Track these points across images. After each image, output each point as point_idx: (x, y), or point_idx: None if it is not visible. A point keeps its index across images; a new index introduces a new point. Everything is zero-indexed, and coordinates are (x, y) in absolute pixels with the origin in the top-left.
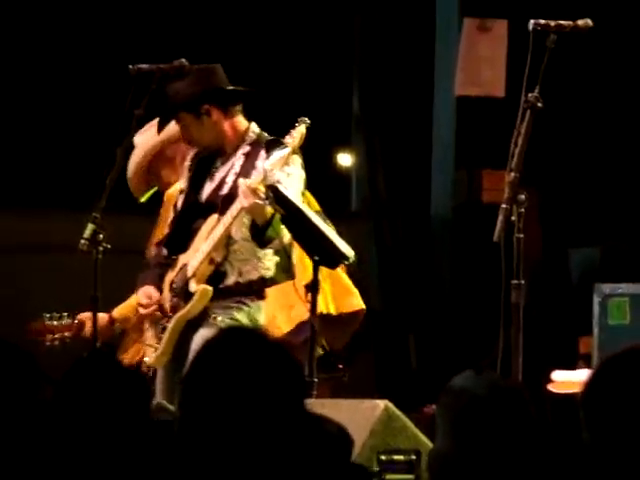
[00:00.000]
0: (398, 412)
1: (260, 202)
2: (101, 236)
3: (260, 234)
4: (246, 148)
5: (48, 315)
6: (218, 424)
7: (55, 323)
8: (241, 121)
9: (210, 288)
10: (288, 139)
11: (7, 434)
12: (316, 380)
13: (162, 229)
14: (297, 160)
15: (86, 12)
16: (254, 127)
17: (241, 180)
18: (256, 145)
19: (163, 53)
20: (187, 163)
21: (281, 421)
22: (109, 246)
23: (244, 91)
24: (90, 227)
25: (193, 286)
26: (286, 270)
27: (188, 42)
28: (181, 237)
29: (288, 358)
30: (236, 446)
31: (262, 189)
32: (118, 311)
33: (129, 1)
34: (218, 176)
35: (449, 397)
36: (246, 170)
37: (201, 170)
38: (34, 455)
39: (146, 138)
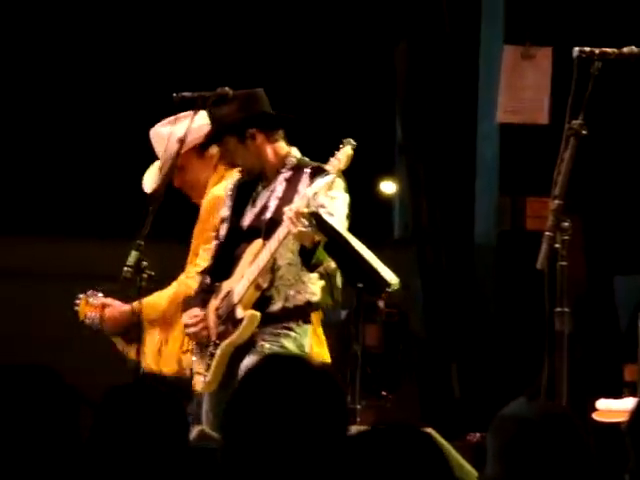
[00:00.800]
0: (442, 440)
1: (306, 229)
2: (145, 263)
3: (308, 257)
4: (287, 173)
5: (90, 292)
6: (261, 451)
7: (90, 300)
8: (283, 146)
9: (258, 314)
10: (334, 161)
11: (49, 460)
12: (359, 407)
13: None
14: (340, 184)
15: (131, 41)
16: (295, 152)
17: (286, 208)
18: (297, 170)
19: (207, 81)
20: (228, 192)
21: (324, 448)
22: (153, 273)
23: (287, 117)
24: (134, 254)
25: (240, 312)
26: (331, 294)
27: (233, 70)
28: (224, 264)
29: (331, 385)
30: (279, 473)
31: (306, 211)
32: (141, 303)
33: (171, 30)
34: (260, 201)
35: (501, 423)
36: (288, 195)
37: (242, 197)
38: None
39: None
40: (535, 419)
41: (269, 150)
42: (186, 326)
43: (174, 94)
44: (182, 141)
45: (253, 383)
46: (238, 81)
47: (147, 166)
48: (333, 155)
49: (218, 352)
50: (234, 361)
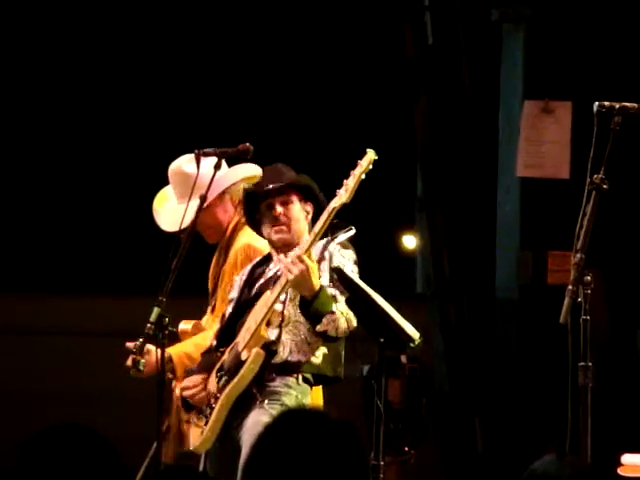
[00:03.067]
0: None
1: (304, 269)
2: (167, 320)
3: (307, 306)
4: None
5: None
6: None
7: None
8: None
9: (263, 352)
10: (357, 169)
11: None
12: (382, 463)
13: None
14: (351, 254)
15: (151, 95)
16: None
17: (281, 256)
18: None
19: (228, 136)
20: (242, 276)
21: None
22: (175, 329)
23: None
24: (156, 311)
25: (244, 354)
26: (334, 366)
27: (254, 127)
28: (229, 331)
29: (352, 439)
30: None
31: (306, 258)
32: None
33: (191, 84)
34: (268, 273)
35: None
36: None
37: (250, 278)
38: None
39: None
40: (566, 477)
41: (307, 224)
42: (183, 389)
43: (196, 150)
44: (204, 198)
45: (273, 438)
46: (259, 140)
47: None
48: (356, 164)
49: (218, 403)
50: (233, 417)
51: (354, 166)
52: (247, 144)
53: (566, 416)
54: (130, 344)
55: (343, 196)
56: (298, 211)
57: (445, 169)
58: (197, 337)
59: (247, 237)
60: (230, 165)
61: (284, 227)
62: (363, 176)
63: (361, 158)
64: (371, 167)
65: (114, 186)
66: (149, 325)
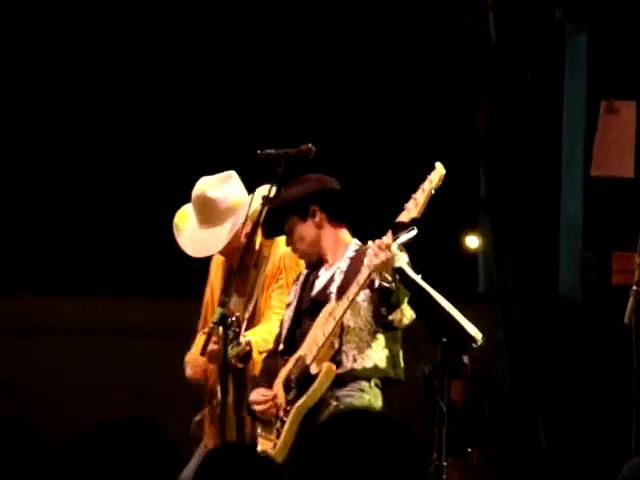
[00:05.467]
0: None
1: (390, 257)
2: (229, 320)
3: (388, 293)
4: (350, 254)
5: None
6: None
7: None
8: (346, 235)
9: (334, 366)
10: (426, 184)
11: None
12: (445, 464)
13: (212, 294)
14: (405, 257)
15: (209, 96)
16: (357, 241)
17: (370, 242)
18: (360, 251)
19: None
20: (298, 282)
21: None
22: (238, 330)
23: (351, 201)
24: (219, 310)
25: (314, 368)
26: (394, 368)
27: (312, 130)
28: (289, 343)
29: (409, 438)
30: None
31: (392, 245)
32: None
33: (251, 86)
34: (321, 280)
35: None
36: (354, 268)
37: (305, 284)
38: None
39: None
40: None
41: (330, 233)
42: (252, 403)
43: (258, 151)
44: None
45: (327, 437)
46: (316, 142)
47: None
48: (425, 178)
49: (290, 416)
50: (305, 426)
51: (418, 173)
52: (309, 145)
53: (631, 416)
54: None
55: (412, 211)
56: (299, 232)
57: (508, 169)
58: (264, 326)
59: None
60: (291, 166)
61: (300, 251)
62: (433, 192)
63: (429, 172)
64: (441, 183)
65: (115, 183)
66: (212, 325)
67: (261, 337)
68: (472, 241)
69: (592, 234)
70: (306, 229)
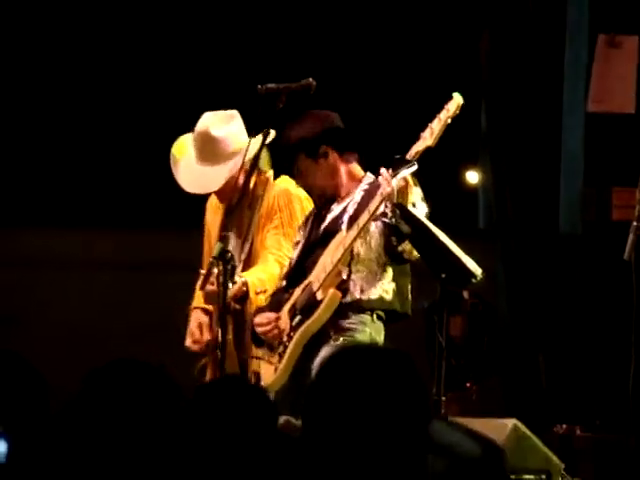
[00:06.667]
0: (527, 431)
1: (403, 185)
2: (229, 255)
3: (398, 226)
4: (364, 186)
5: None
6: (341, 444)
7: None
8: (358, 169)
9: (339, 293)
10: (443, 113)
11: (150, 451)
12: (444, 399)
13: (209, 239)
14: (419, 192)
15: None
16: (370, 175)
17: (382, 169)
18: (374, 184)
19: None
20: (310, 218)
21: (406, 436)
22: (236, 264)
23: (361, 136)
24: (219, 246)
25: (320, 294)
26: (402, 302)
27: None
28: (298, 272)
29: (411, 373)
30: (359, 462)
31: (392, 181)
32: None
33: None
34: (336, 211)
35: None
36: (367, 199)
37: (316, 220)
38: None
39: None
40: None
41: (343, 170)
42: (256, 325)
43: (259, 85)
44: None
45: (331, 371)
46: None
47: None
48: (442, 108)
49: (293, 341)
50: (306, 355)
51: (418, 107)
52: (310, 79)
53: (630, 353)
54: (203, 271)
55: (428, 140)
56: (312, 169)
57: (509, 105)
58: (260, 266)
59: (282, 184)
60: (291, 101)
61: (313, 189)
62: (449, 121)
63: (446, 102)
64: (458, 112)
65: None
66: (212, 260)
67: (257, 277)
68: (472, 176)
69: (593, 170)
70: (318, 169)
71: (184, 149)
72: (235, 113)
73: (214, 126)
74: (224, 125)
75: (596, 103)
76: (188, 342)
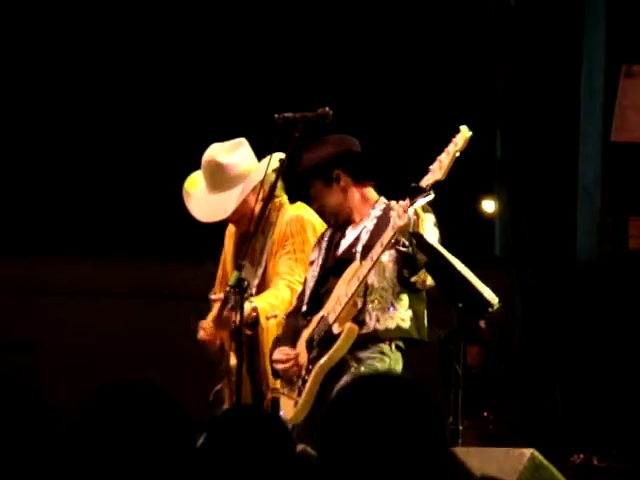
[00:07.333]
0: (545, 461)
1: (416, 219)
2: (245, 283)
3: (411, 256)
4: (377, 213)
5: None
6: (356, 472)
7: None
8: (372, 193)
9: (356, 327)
10: (451, 146)
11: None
12: (461, 428)
13: (224, 266)
14: (432, 218)
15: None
16: (384, 199)
17: (393, 203)
18: (387, 210)
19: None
20: (323, 240)
21: (422, 466)
22: (253, 292)
23: (374, 161)
24: (236, 274)
25: (337, 328)
26: (419, 329)
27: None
28: (315, 299)
29: (427, 402)
30: None
31: (409, 210)
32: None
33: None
34: (347, 240)
35: None
36: (381, 228)
37: (331, 243)
38: None
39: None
40: None
41: (356, 194)
42: (275, 362)
43: (275, 115)
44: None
45: (345, 400)
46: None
47: None
48: (450, 141)
49: (311, 375)
50: (326, 386)
51: (435, 135)
52: (326, 108)
53: None
54: (214, 296)
55: (437, 173)
56: (325, 196)
57: (525, 134)
58: (271, 291)
59: (295, 210)
60: (308, 130)
61: (320, 212)
62: (457, 154)
63: (452, 135)
64: (466, 146)
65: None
66: (228, 289)
67: (267, 302)
68: (489, 205)
69: (609, 199)
70: (332, 193)
71: (195, 183)
72: (243, 140)
73: (220, 154)
74: (231, 152)
75: (619, 133)
76: (200, 334)
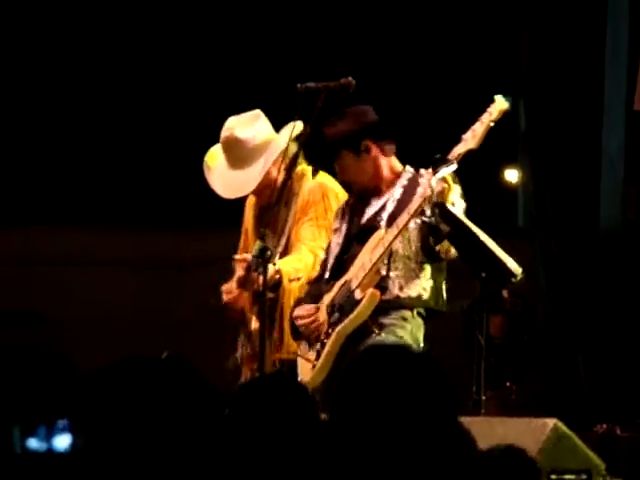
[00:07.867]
0: (568, 431)
1: (446, 187)
2: (269, 253)
3: (436, 227)
4: (404, 182)
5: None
6: (368, 445)
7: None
8: (397, 163)
9: (378, 292)
10: (485, 116)
11: (185, 448)
12: (484, 398)
13: (246, 237)
14: (458, 189)
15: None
16: (409, 168)
17: (422, 170)
18: (413, 180)
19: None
20: (341, 207)
21: (433, 434)
22: (276, 262)
23: (399, 128)
24: (258, 244)
25: (359, 293)
26: (437, 300)
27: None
28: (338, 266)
29: (435, 373)
30: (385, 458)
31: (432, 180)
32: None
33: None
34: (372, 208)
35: None
36: (407, 197)
37: (355, 211)
38: (213, 469)
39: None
40: None
41: (384, 164)
42: (296, 318)
43: (298, 85)
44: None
45: (357, 373)
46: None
47: None
48: (484, 111)
49: (331, 338)
50: (346, 351)
51: (457, 106)
52: (349, 78)
53: None
54: (238, 256)
55: (470, 142)
56: (355, 167)
57: (549, 104)
58: (294, 256)
59: (320, 178)
60: (330, 99)
61: (355, 184)
62: (492, 124)
63: (488, 105)
64: (500, 117)
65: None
66: (251, 258)
67: (291, 265)
68: (512, 175)
69: (633, 169)
70: (361, 163)
71: (215, 157)
72: (259, 112)
73: (238, 128)
74: (248, 125)
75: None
76: (224, 298)
